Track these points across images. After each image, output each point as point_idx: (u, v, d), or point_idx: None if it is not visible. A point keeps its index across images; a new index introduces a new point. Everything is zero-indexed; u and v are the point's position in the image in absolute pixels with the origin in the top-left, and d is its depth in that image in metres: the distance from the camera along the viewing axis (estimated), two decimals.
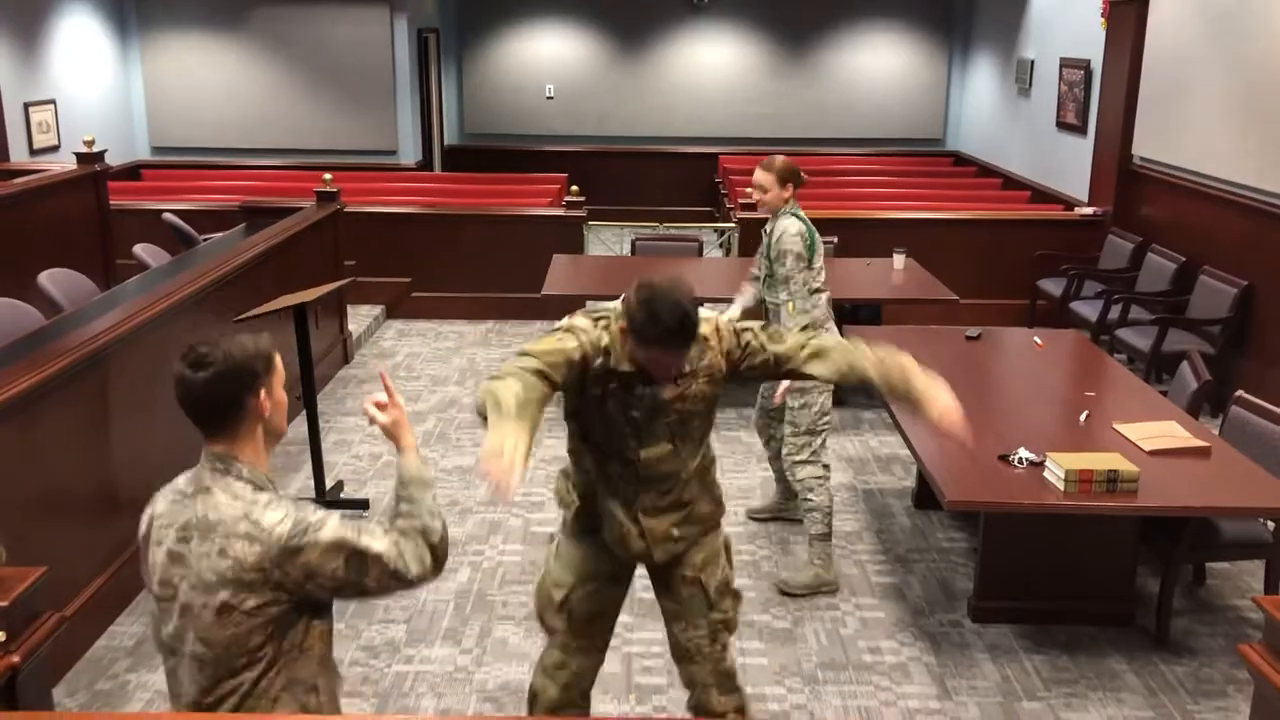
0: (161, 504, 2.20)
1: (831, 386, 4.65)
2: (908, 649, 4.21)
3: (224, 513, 2.11)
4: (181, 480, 2.21)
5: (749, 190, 4.84)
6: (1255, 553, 4.33)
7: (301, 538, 2.09)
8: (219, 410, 2.13)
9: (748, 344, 2.94)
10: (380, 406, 2.26)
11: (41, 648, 2.30)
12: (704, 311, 2.83)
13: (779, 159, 4.77)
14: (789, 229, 4.60)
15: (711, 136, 13.02)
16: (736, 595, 3.16)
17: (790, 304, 4.57)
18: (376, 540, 2.14)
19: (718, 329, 2.92)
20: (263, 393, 2.16)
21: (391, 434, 2.28)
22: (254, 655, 2.13)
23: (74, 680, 3.92)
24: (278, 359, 2.22)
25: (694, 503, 3.03)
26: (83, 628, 4.05)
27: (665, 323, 2.61)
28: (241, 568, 2.07)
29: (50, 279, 5.77)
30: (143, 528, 2.23)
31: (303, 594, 2.14)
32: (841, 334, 6.28)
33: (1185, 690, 3.97)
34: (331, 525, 2.13)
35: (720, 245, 10.06)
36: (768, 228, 4.75)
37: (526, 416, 2.45)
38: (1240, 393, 4.62)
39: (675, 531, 3.00)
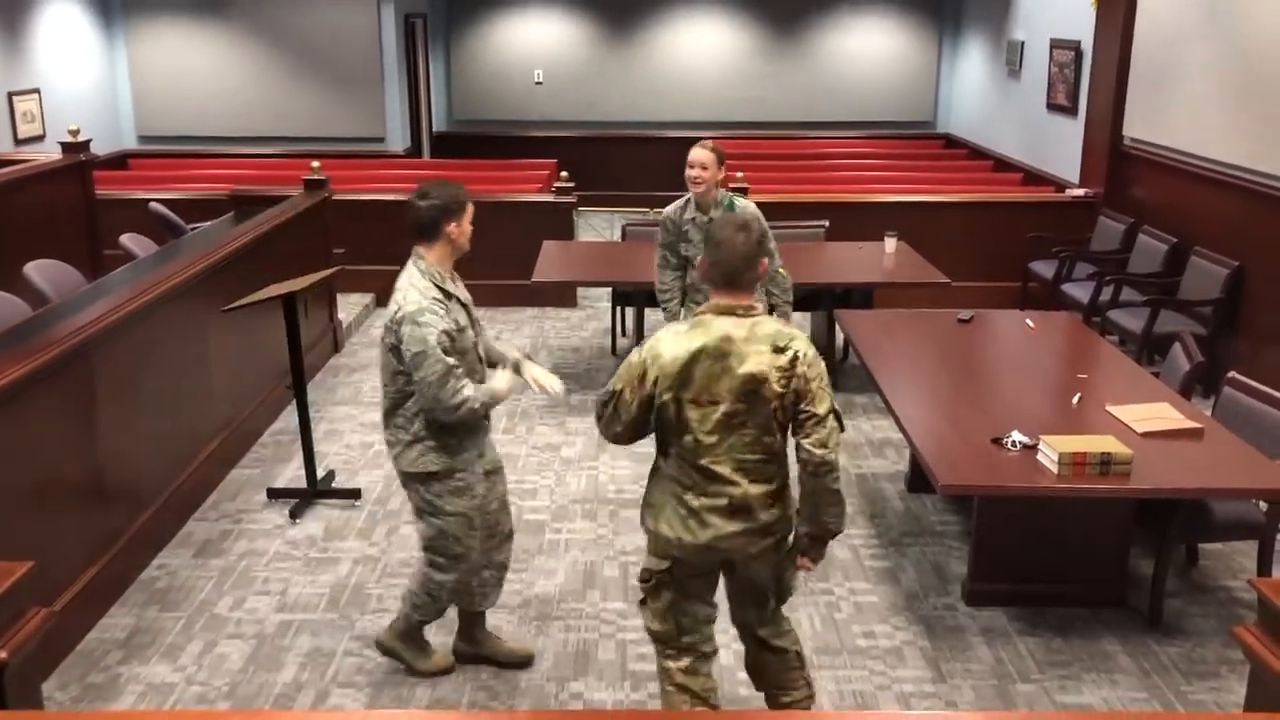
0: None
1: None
2: (902, 633, 4.21)
3: (401, 283, 3.50)
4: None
5: (692, 175, 5.03)
6: (1248, 534, 4.33)
7: (410, 320, 3.39)
8: (425, 228, 3.51)
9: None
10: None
11: (28, 644, 2.27)
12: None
13: (710, 141, 5.06)
14: (749, 207, 4.87)
15: (701, 121, 12.94)
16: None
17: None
18: (437, 367, 3.37)
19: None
20: (454, 224, 3.52)
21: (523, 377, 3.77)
22: (393, 376, 3.52)
23: (65, 673, 3.90)
24: (470, 205, 3.58)
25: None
26: (74, 620, 4.03)
27: (728, 222, 3.03)
28: (390, 319, 3.46)
29: (37, 270, 5.73)
30: None
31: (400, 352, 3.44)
32: (832, 320, 6.29)
33: (1179, 671, 3.98)
34: (427, 332, 3.38)
35: None
36: (709, 214, 4.96)
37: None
38: (1232, 373, 4.63)
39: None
